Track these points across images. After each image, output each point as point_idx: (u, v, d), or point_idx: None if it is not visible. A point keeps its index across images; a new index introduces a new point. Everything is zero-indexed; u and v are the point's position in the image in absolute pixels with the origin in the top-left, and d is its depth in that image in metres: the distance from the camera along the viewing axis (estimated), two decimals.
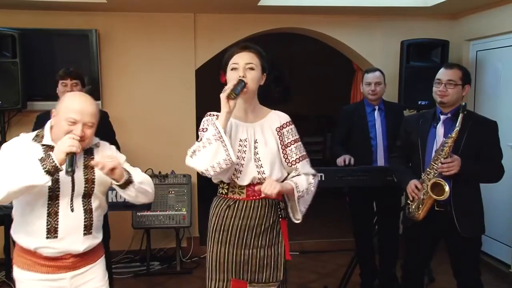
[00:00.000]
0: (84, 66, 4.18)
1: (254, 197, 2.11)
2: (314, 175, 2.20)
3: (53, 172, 1.84)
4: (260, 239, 2.10)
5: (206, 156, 1.98)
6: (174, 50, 4.56)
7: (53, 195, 1.98)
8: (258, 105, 2.20)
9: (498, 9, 4.19)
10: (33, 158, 1.87)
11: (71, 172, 1.86)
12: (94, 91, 4.18)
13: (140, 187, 2.06)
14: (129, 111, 4.50)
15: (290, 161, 2.15)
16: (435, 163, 2.59)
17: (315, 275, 4.16)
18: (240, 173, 2.08)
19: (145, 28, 4.50)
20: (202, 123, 2.12)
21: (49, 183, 1.88)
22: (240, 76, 2.03)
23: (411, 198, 2.70)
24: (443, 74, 2.69)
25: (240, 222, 2.10)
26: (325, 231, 5.06)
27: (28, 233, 2.01)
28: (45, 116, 3.51)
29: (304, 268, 4.30)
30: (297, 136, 2.19)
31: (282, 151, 2.14)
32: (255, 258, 2.09)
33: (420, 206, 2.65)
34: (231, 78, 2.07)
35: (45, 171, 1.82)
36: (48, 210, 1.98)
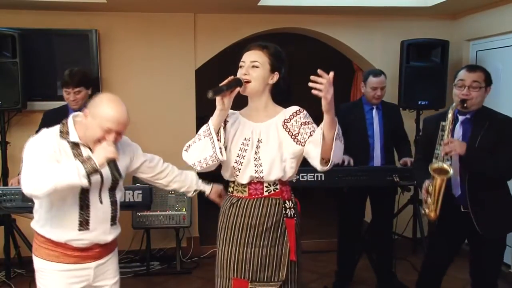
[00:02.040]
0: (84, 66, 4.18)
1: (257, 196, 2.10)
2: None
3: (93, 173, 1.91)
4: (262, 238, 2.08)
5: (195, 152, 2.05)
6: (174, 50, 4.56)
7: (84, 189, 2.05)
8: (271, 103, 2.16)
9: (498, 9, 4.19)
10: (74, 160, 1.98)
11: (119, 177, 2.05)
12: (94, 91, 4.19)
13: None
14: (129, 111, 4.49)
15: (307, 138, 2.05)
16: (436, 156, 2.54)
17: (315, 275, 4.16)
18: (239, 172, 2.09)
19: (145, 28, 4.51)
20: None
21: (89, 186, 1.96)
22: (242, 74, 2.06)
23: (424, 200, 2.61)
24: (466, 76, 2.58)
25: (242, 220, 2.10)
26: (325, 231, 5.06)
27: (58, 226, 2.07)
28: (52, 113, 3.52)
29: (304, 268, 4.28)
30: (309, 120, 2.09)
31: (294, 140, 2.05)
32: (256, 257, 2.08)
33: (429, 200, 2.54)
34: (238, 75, 2.08)
35: (86, 172, 1.89)
36: (80, 203, 2.06)
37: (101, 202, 2.10)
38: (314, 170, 3.33)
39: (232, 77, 2.03)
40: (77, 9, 4.24)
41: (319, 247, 4.73)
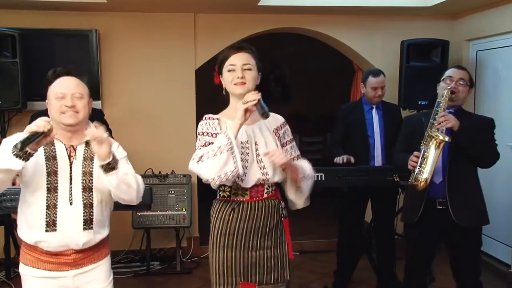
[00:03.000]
0: (84, 66, 4.18)
1: (257, 198, 2.09)
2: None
3: (22, 156, 1.79)
4: (266, 239, 2.09)
5: (214, 165, 1.93)
6: (174, 50, 4.56)
7: (51, 187, 1.98)
8: None
9: (498, 9, 4.19)
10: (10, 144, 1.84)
11: (16, 149, 1.78)
12: (94, 91, 4.18)
13: (124, 178, 1.99)
14: (129, 111, 4.50)
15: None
16: (431, 126, 2.61)
17: (315, 275, 4.16)
18: (245, 176, 2.06)
19: (145, 28, 4.50)
20: (200, 126, 2.09)
21: (18, 167, 1.82)
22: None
23: (411, 169, 2.65)
24: (454, 73, 2.77)
25: (246, 224, 2.08)
26: (325, 231, 5.06)
27: (29, 227, 2.02)
28: (39, 115, 3.53)
29: (304, 268, 4.30)
30: (292, 137, 2.23)
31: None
32: (262, 260, 2.08)
33: (423, 165, 2.58)
34: (228, 79, 2.07)
35: (14, 155, 1.79)
36: (47, 202, 1.98)
37: (70, 203, 2.00)
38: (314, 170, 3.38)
39: (258, 98, 1.97)
40: (77, 9, 4.24)
41: (319, 247, 4.73)
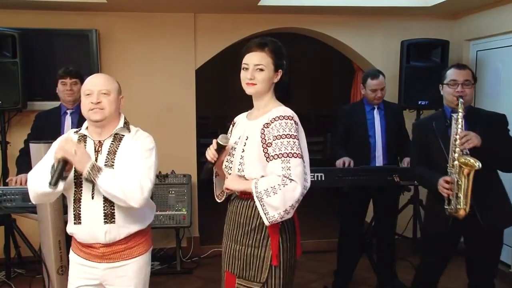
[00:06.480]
0: (84, 66, 4.17)
1: (245, 196, 2.08)
2: (289, 178, 1.90)
3: (56, 178, 1.94)
4: (248, 237, 2.08)
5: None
6: (174, 50, 4.56)
7: (78, 182, 2.08)
8: (273, 101, 2.14)
9: (498, 9, 4.20)
10: (48, 164, 2.00)
11: (52, 185, 1.92)
12: None
13: (106, 191, 1.99)
14: (129, 111, 4.46)
15: (268, 158, 2.00)
16: (454, 149, 2.55)
17: (315, 275, 4.16)
18: (230, 170, 2.11)
19: (145, 28, 4.51)
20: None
21: (61, 188, 1.97)
22: (248, 78, 2.06)
23: (446, 196, 2.57)
24: (458, 74, 2.69)
25: (233, 217, 2.14)
26: (325, 231, 5.06)
27: (68, 219, 2.16)
28: (44, 115, 3.55)
29: (304, 268, 4.30)
30: (287, 132, 1.96)
31: (264, 149, 2.00)
32: (243, 255, 2.08)
33: (460, 195, 2.52)
34: (242, 78, 2.09)
35: (51, 177, 1.92)
36: (74, 197, 2.07)
37: (92, 197, 2.07)
38: (314, 170, 3.38)
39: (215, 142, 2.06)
40: (77, 9, 4.25)
41: (319, 247, 4.73)
